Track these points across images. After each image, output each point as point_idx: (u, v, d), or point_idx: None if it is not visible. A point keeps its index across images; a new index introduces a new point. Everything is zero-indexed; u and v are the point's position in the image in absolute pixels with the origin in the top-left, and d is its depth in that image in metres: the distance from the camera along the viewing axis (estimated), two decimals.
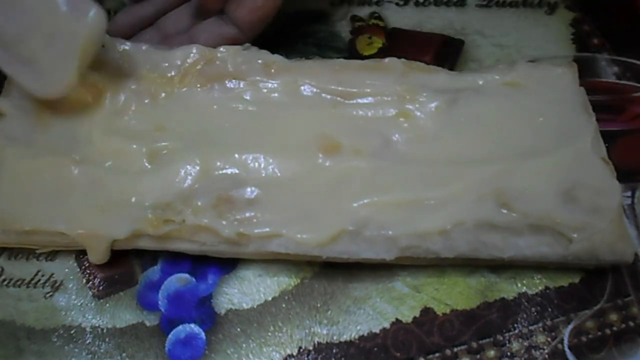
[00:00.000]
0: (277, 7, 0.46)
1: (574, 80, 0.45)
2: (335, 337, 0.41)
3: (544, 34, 0.54)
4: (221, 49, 0.45)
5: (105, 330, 0.41)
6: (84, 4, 0.40)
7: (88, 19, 0.39)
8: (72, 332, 0.41)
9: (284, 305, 0.42)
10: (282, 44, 0.49)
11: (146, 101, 0.43)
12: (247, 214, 0.40)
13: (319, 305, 0.42)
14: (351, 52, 0.53)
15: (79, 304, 0.42)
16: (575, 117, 0.43)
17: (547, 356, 0.40)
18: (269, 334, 0.41)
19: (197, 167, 0.41)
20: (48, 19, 0.40)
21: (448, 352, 0.40)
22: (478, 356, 0.40)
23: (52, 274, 0.42)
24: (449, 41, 0.53)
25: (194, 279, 0.43)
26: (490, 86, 0.45)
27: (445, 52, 0.53)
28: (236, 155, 0.41)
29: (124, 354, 0.40)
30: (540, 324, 0.41)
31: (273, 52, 0.46)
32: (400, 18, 0.55)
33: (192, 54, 0.45)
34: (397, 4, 0.56)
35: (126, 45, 0.45)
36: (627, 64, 0.52)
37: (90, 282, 0.42)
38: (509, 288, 0.42)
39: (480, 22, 0.54)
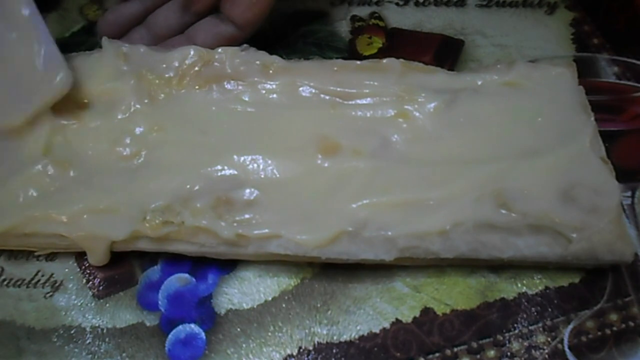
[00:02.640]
0: (273, 3, 0.46)
1: (572, 80, 0.45)
2: (335, 337, 0.41)
3: (544, 34, 0.54)
4: (219, 50, 0.45)
5: (105, 330, 0.41)
6: (57, 64, 0.41)
7: (55, 81, 0.41)
8: (72, 332, 0.41)
9: (284, 305, 0.42)
10: (282, 44, 0.49)
11: (145, 102, 0.43)
12: (246, 215, 0.40)
13: (319, 305, 0.42)
14: (351, 52, 0.53)
15: (79, 304, 0.42)
16: (574, 116, 0.43)
17: (547, 356, 0.40)
18: (269, 334, 0.41)
19: (196, 169, 0.41)
20: (19, 64, 0.41)
21: (448, 352, 0.40)
22: (478, 356, 0.40)
23: (52, 274, 0.43)
24: (449, 41, 0.53)
25: (194, 279, 0.43)
26: (489, 86, 0.44)
27: (445, 52, 0.53)
28: (235, 157, 0.41)
29: (124, 354, 0.40)
30: (540, 324, 0.41)
31: (273, 52, 0.46)
32: (400, 18, 0.55)
33: (190, 56, 0.44)
34: (397, 4, 0.56)
35: (124, 47, 0.45)
36: (627, 64, 0.52)
37: (90, 282, 0.42)
38: (509, 288, 0.42)
39: (480, 22, 0.54)
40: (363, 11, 0.55)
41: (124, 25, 0.50)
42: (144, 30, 0.49)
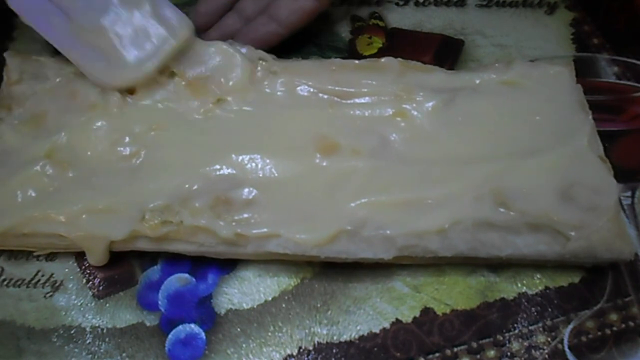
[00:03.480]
0: None
1: (570, 79, 0.45)
2: (335, 337, 0.41)
3: (543, 34, 0.54)
4: None
5: (105, 330, 0.41)
6: (177, 14, 0.43)
7: (182, 29, 0.43)
8: (72, 332, 0.41)
9: (284, 305, 0.42)
10: (282, 44, 0.49)
11: (144, 102, 0.43)
12: (245, 215, 0.40)
13: (319, 305, 0.42)
14: (351, 52, 0.53)
15: (79, 304, 0.42)
16: (572, 115, 0.43)
17: (547, 356, 0.40)
18: (269, 334, 0.41)
19: (195, 168, 0.41)
20: (137, 19, 0.43)
21: (448, 352, 0.40)
22: (478, 356, 0.40)
23: (52, 274, 0.43)
24: (449, 41, 0.53)
25: (194, 279, 0.43)
26: (487, 85, 0.45)
27: (445, 52, 0.53)
28: (233, 156, 0.41)
29: (124, 354, 0.40)
30: (540, 324, 0.41)
31: (273, 52, 0.46)
32: (400, 18, 0.55)
33: None
34: (397, 4, 0.56)
35: None
36: (627, 64, 0.52)
37: (90, 282, 0.42)
38: (509, 288, 0.42)
39: (480, 22, 0.54)
40: (363, 11, 0.55)
41: (216, 14, 0.50)
42: (235, 15, 0.50)
